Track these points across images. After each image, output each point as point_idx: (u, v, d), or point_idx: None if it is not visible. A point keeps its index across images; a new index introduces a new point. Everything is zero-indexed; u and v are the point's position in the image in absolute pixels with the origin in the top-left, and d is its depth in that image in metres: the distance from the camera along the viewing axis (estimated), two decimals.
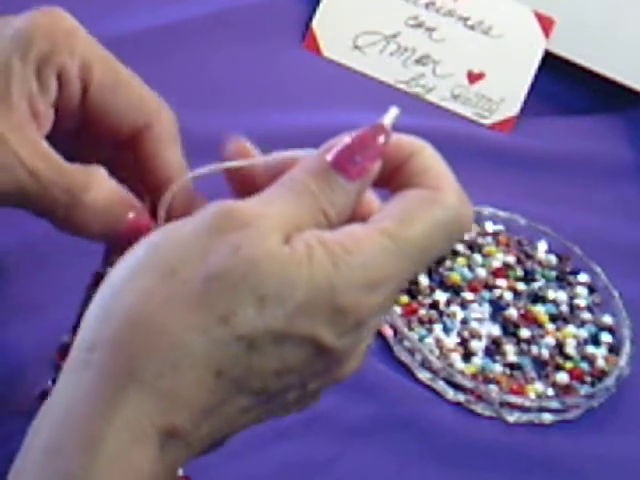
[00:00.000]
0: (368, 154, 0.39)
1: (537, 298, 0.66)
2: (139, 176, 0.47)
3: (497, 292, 0.66)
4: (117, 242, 0.44)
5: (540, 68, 0.81)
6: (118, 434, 0.35)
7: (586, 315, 0.66)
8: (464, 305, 0.65)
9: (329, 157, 0.39)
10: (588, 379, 0.62)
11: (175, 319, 0.35)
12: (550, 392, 0.61)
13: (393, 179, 0.40)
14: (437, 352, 0.62)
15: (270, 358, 0.36)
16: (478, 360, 0.62)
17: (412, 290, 0.64)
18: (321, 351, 0.37)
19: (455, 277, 0.66)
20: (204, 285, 0.35)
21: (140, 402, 0.35)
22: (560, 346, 0.64)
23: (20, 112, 0.43)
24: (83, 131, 0.47)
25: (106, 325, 0.36)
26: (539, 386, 0.61)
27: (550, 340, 0.64)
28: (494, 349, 0.63)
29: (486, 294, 0.66)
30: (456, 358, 0.61)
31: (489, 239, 0.69)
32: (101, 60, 0.46)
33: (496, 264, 0.67)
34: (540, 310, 0.65)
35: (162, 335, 0.35)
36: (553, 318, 0.65)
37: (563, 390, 0.61)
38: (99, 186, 0.44)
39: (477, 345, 0.62)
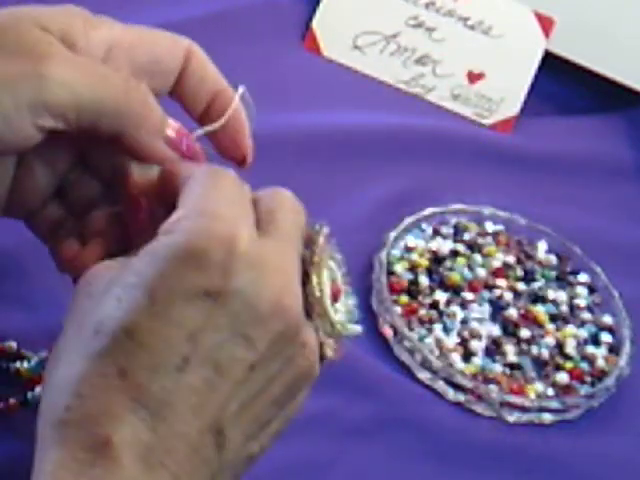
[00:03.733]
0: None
1: (537, 298, 0.66)
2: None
3: (497, 292, 0.66)
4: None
5: (540, 68, 0.81)
6: None
7: (586, 315, 0.66)
8: (464, 305, 0.65)
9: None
10: (588, 379, 0.62)
11: None
12: (550, 392, 0.61)
13: None
14: (437, 352, 0.62)
15: None
16: (478, 360, 0.62)
17: (412, 290, 0.64)
18: None
19: (455, 277, 0.66)
20: None
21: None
22: (560, 346, 0.64)
23: None
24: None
25: None
26: (539, 386, 0.61)
27: (550, 340, 0.64)
28: (494, 349, 0.63)
29: (486, 294, 0.66)
30: (456, 358, 0.61)
31: (489, 239, 0.69)
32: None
33: (496, 264, 0.67)
34: (540, 310, 0.65)
35: None
36: (553, 318, 0.65)
37: (563, 390, 0.61)
38: None
39: (477, 345, 0.62)
